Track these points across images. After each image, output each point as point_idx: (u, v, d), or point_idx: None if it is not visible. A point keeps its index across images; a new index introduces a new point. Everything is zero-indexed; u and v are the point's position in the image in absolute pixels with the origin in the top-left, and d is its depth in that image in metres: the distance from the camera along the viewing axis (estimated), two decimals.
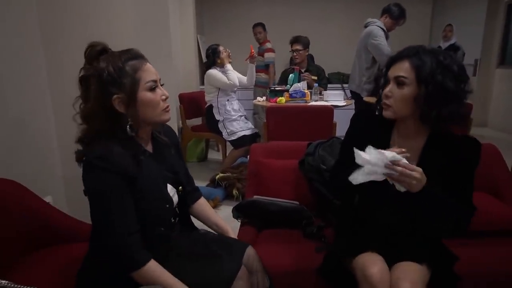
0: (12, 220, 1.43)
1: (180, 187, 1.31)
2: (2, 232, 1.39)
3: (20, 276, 1.30)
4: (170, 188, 1.26)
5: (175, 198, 1.28)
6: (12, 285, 1.06)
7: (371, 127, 1.41)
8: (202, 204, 1.51)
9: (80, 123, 1.13)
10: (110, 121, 1.10)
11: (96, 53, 1.12)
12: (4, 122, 1.72)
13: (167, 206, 1.22)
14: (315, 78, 4.04)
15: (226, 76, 3.57)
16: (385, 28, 3.67)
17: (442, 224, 1.30)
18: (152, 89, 1.13)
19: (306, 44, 4.04)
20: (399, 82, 1.27)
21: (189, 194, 1.45)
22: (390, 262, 1.30)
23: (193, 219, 1.46)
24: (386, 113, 1.31)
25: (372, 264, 1.25)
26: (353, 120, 1.48)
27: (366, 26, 3.78)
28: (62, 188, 2.07)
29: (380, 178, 1.18)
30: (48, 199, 1.80)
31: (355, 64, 3.91)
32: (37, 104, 1.96)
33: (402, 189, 1.20)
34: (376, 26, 3.65)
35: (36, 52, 1.94)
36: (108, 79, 1.07)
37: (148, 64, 1.15)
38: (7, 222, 1.42)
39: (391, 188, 1.27)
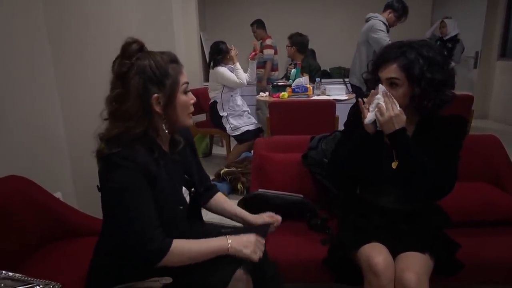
0: (24, 215, 1.48)
1: (193, 189, 1.32)
2: (16, 228, 1.43)
3: (32, 270, 1.34)
4: (184, 190, 1.27)
5: (187, 200, 1.29)
6: (26, 278, 1.09)
7: None
8: (219, 198, 1.51)
9: (105, 118, 1.11)
10: (146, 120, 1.10)
11: (135, 51, 1.10)
12: (14, 121, 1.76)
13: (181, 208, 1.23)
14: (306, 75, 4.09)
15: (236, 75, 3.59)
16: (387, 23, 3.67)
17: (419, 178, 1.36)
18: (186, 92, 1.17)
19: (294, 42, 4.22)
20: (392, 83, 1.35)
21: (206, 192, 1.47)
22: (394, 253, 1.33)
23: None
24: None
25: (376, 253, 1.28)
26: (352, 110, 1.54)
27: (367, 21, 3.78)
28: (71, 184, 2.11)
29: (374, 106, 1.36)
30: (57, 195, 1.84)
31: (355, 58, 3.91)
32: (46, 103, 1.99)
33: (369, 119, 1.36)
34: (378, 20, 3.65)
35: (44, 51, 1.97)
36: (151, 76, 1.08)
37: (183, 68, 1.18)
38: (20, 218, 1.46)
39: (390, 172, 1.37)
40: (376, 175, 1.47)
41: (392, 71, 1.34)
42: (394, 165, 1.43)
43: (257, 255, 1.17)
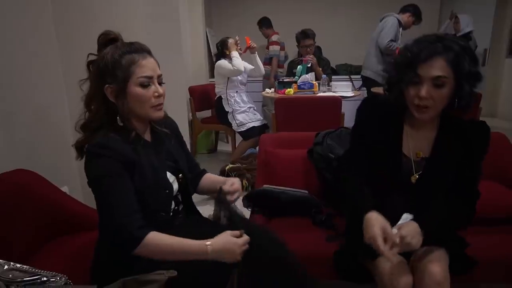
0: (33, 209, 1.49)
1: (180, 175, 1.33)
2: (23, 220, 1.45)
3: (39, 262, 1.35)
4: (169, 176, 1.28)
5: (175, 186, 1.30)
6: (34, 270, 1.10)
7: (381, 115, 1.36)
8: (207, 175, 1.52)
9: (83, 107, 1.18)
10: (105, 108, 1.15)
11: (106, 41, 1.17)
12: (23, 116, 1.78)
13: (167, 191, 1.24)
14: (320, 69, 4.06)
15: (231, 63, 3.60)
16: (402, 23, 3.87)
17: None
18: (144, 85, 1.14)
19: (314, 36, 4.04)
20: (439, 83, 1.17)
21: (196, 177, 1.48)
22: (409, 255, 1.30)
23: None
24: (424, 116, 1.23)
25: (398, 273, 1.24)
26: (363, 108, 1.40)
27: (381, 20, 3.91)
28: (77, 179, 2.13)
29: None
30: (64, 189, 1.86)
31: (370, 53, 3.98)
32: (54, 99, 2.01)
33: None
34: (394, 17, 3.84)
35: (52, 49, 1.99)
36: (104, 68, 1.12)
37: (148, 59, 1.16)
38: (28, 211, 1.47)
39: (408, 186, 1.30)
40: (392, 188, 1.35)
41: (439, 68, 1.15)
42: (413, 179, 1.33)
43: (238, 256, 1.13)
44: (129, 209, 1.09)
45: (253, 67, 3.81)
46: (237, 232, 1.16)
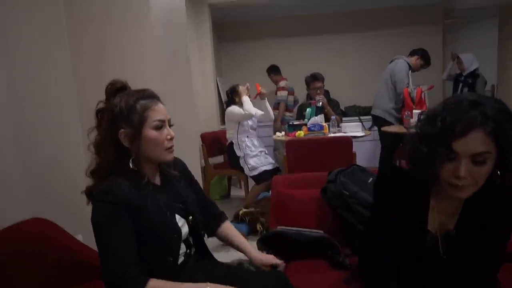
0: (48, 258, 1.49)
1: (191, 217, 1.34)
2: (38, 270, 1.44)
3: None
4: (178, 219, 1.29)
5: (185, 229, 1.30)
6: None
7: (405, 189, 1.17)
8: (226, 227, 1.53)
9: (93, 154, 1.21)
10: (116, 153, 1.18)
11: (114, 90, 1.22)
12: (38, 165, 1.83)
13: (175, 236, 1.24)
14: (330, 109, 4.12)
15: (242, 108, 3.67)
16: (411, 65, 4.04)
17: None
18: (158, 128, 1.20)
19: (323, 79, 4.17)
20: (480, 159, 0.98)
21: (214, 220, 1.50)
22: None
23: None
24: (463, 194, 1.04)
25: None
26: (384, 184, 1.24)
27: (391, 62, 4.09)
28: (91, 227, 2.14)
29: None
30: (79, 237, 1.86)
31: (382, 92, 4.09)
32: (70, 147, 2.07)
33: None
34: (403, 60, 4.02)
35: (71, 99, 2.10)
36: (118, 114, 1.16)
37: (159, 104, 1.22)
38: (43, 261, 1.47)
39: (437, 263, 1.19)
40: (417, 265, 1.21)
41: (478, 143, 0.95)
42: (440, 255, 1.19)
43: None
44: (125, 261, 1.09)
45: (263, 112, 3.89)
46: None
